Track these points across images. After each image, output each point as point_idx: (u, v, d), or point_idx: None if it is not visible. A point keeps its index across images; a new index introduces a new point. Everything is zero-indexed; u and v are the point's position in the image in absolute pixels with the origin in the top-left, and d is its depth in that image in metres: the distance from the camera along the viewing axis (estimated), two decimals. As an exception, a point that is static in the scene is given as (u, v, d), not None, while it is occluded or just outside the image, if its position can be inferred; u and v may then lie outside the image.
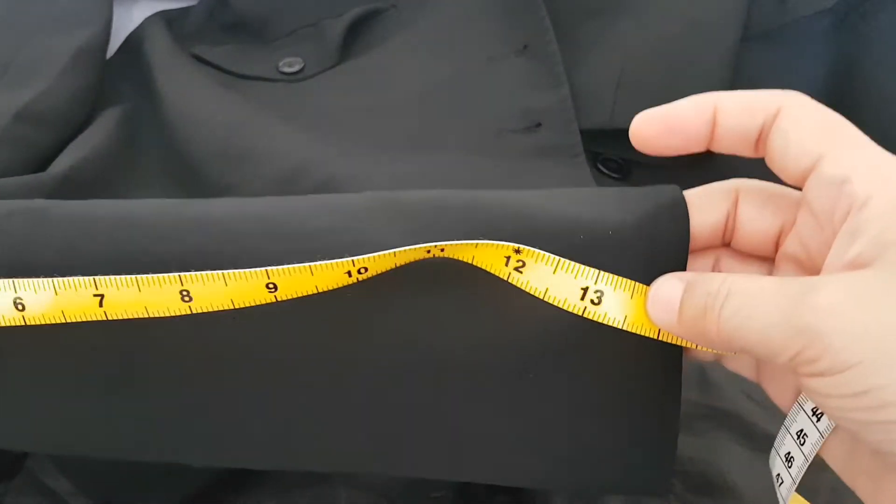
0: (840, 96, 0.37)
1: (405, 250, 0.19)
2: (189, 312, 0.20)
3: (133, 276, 0.20)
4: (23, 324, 0.20)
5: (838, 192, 0.17)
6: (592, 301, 0.20)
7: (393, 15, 0.45)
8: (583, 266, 0.20)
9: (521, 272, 0.20)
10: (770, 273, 0.21)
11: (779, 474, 0.20)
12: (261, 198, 0.23)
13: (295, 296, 0.20)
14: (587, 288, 0.20)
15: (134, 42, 0.44)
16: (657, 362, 0.21)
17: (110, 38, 0.42)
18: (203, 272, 0.20)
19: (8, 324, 0.20)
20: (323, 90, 0.41)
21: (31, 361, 0.22)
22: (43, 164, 0.35)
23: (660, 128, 0.20)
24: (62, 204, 0.22)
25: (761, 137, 0.19)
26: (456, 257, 0.20)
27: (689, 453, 0.29)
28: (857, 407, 0.16)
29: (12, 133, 0.34)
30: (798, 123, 0.18)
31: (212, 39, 0.45)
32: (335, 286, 0.20)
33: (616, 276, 0.20)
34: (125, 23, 0.45)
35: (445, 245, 0.20)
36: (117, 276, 0.20)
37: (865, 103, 0.36)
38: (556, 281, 0.20)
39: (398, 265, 0.20)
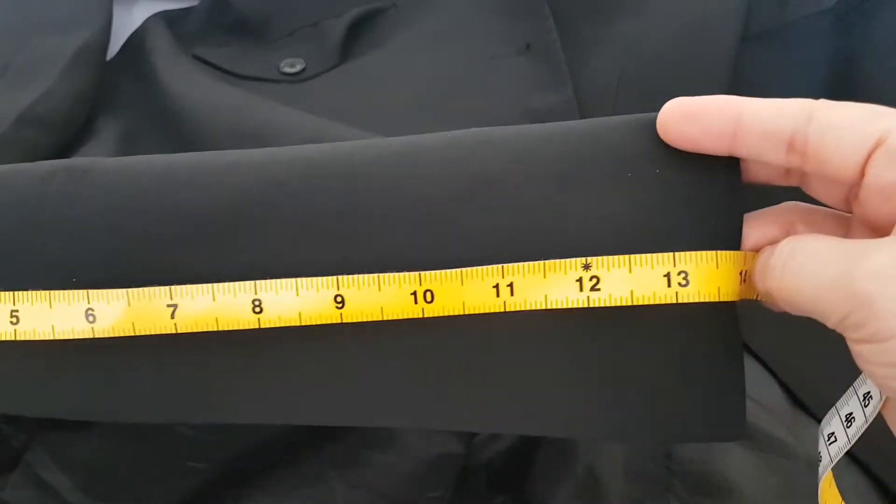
0: (840, 96, 0.37)
1: (472, 287, 0.20)
2: (258, 326, 0.20)
3: (208, 285, 0.20)
4: (91, 336, 0.21)
5: None
6: (680, 283, 0.19)
7: (393, 14, 0.45)
8: (655, 254, 0.19)
9: (599, 290, 0.19)
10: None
11: (820, 452, 0.20)
12: (297, 146, 0.22)
13: (361, 317, 0.20)
14: (669, 273, 0.19)
15: (135, 43, 0.44)
16: (717, 313, 0.20)
17: (110, 39, 0.42)
18: (276, 280, 0.20)
19: (79, 336, 0.21)
20: (324, 90, 0.41)
21: None
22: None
23: (679, 113, 0.19)
24: (102, 161, 0.22)
25: (794, 143, 0.18)
26: (527, 299, 0.20)
27: (689, 453, 0.29)
28: None
29: (13, 136, 0.34)
30: (844, 113, 0.18)
31: (213, 40, 0.45)
32: (400, 313, 0.20)
33: (694, 253, 0.19)
34: (125, 23, 0.45)
35: (514, 280, 0.20)
36: (192, 286, 0.20)
37: (864, 102, 0.36)
38: (635, 280, 0.19)
39: (465, 304, 0.20)
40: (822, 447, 0.20)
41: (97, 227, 0.21)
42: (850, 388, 0.20)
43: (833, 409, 0.20)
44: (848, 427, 0.19)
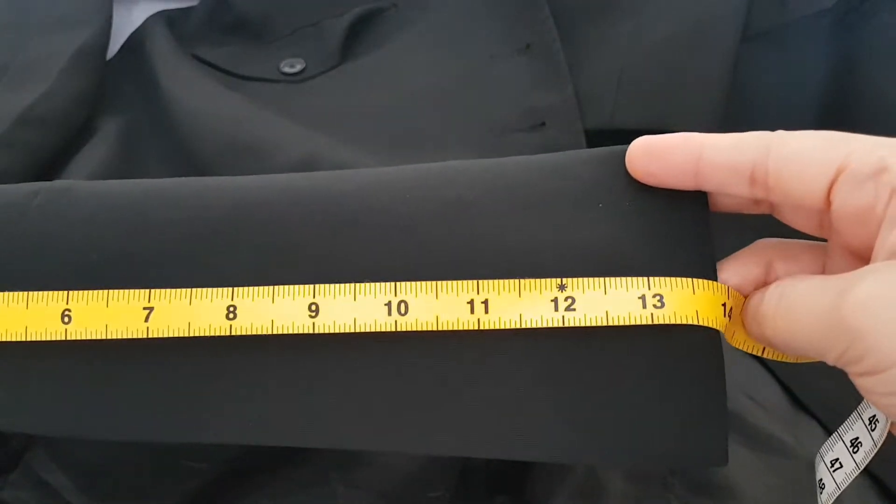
0: (840, 96, 0.37)
1: (448, 301, 0.20)
2: (229, 333, 0.20)
3: (185, 290, 0.20)
4: (64, 338, 0.20)
5: (877, 184, 0.17)
6: (655, 305, 0.19)
7: (394, 14, 0.45)
8: (630, 277, 0.19)
9: (574, 309, 0.19)
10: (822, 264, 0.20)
11: (822, 479, 0.20)
12: (283, 174, 0.23)
13: (335, 327, 0.20)
14: (644, 296, 0.19)
15: (135, 42, 0.44)
16: (699, 339, 0.20)
17: (110, 39, 0.42)
18: (252, 287, 0.20)
19: (52, 338, 0.20)
20: (325, 90, 0.41)
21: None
22: (44, 167, 0.35)
23: (643, 151, 0.20)
24: (84, 182, 0.23)
25: (755, 176, 0.18)
26: (501, 317, 0.20)
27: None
28: None
29: (13, 137, 0.34)
30: (803, 142, 0.18)
31: (213, 40, 0.45)
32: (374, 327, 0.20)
33: (669, 278, 0.19)
34: (125, 23, 0.45)
35: (489, 297, 0.19)
36: (168, 290, 0.20)
37: (865, 103, 0.36)
38: (611, 301, 0.19)
39: (439, 318, 0.20)
40: (823, 473, 0.20)
41: (75, 242, 0.21)
42: (854, 413, 0.20)
43: (835, 435, 0.20)
44: (854, 452, 0.19)
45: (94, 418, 0.21)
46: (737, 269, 0.20)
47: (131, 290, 0.20)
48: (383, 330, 0.20)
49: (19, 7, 0.40)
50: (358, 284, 0.20)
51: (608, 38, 0.40)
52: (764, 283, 0.20)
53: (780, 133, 0.18)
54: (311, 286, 0.20)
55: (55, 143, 0.36)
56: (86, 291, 0.20)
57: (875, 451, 0.19)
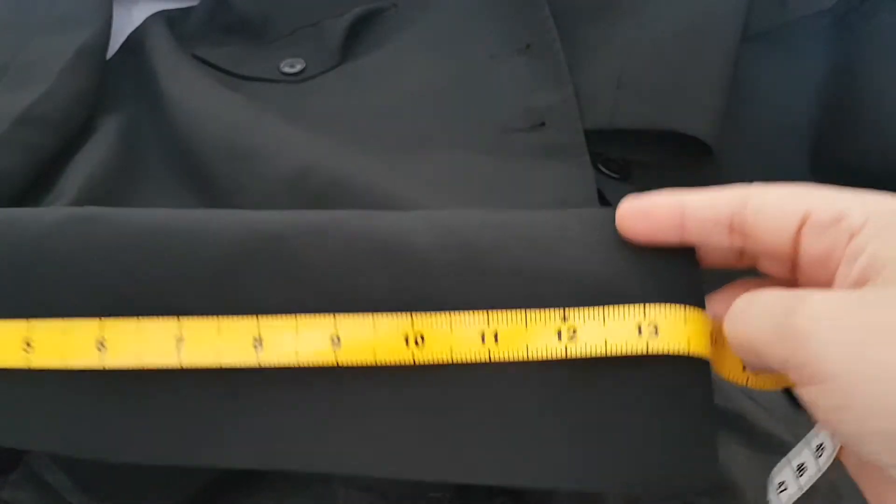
0: (840, 96, 0.37)
1: (460, 331, 0.20)
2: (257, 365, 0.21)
3: (213, 319, 0.21)
4: (101, 367, 0.21)
5: (836, 231, 0.18)
6: (651, 334, 0.20)
7: (394, 14, 0.45)
8: (627, 305, 0.20)
9: (575, 340, 0.20)
10: None
11: (783, 482, 0.21)
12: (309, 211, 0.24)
13: (355, 358, 0.21)
14: (640, 325, 0.20)
15: (135, 42, 0.44)
16: (691, 367, 0.21)
17: (110, 39, 0.42)
18: (277, 317, 0.21)
19: (88, 367, 0.21)
20: (325, 91, 0.41)
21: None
22: (44, 167, 0.35)
23: (631, 213, 0.21)
24: (109, 211, 0.23)
25: (734, 226, 0.20)
26: (510, 349, 0.20)
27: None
28: (842, 419, 0.16)
29: (13, 137, 0.34)
30: (772, 195, 0.20)
31: (213, 40, 0.45)
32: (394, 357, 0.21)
33: (663, 305, 0.20)
34: (125, 23, 0.45)
35: (498, 328, 0.20)
36: (198, 318, 0.21)
37: (865, 103, 0.36)
38: (609, 331, 0.20)
39: (453, 349, 0.21)
40: (771, 495, 0.21)
41: (103, 271, 0.22)
42: (803, 441, 0.20)
43: (785, 459, 0.21)
44: (800, 476, 0.20)
45: (117, 441, 0.22)
46: (723, 300, 0.22)
47: (163, 319, 0.21)
48: (402, 362, 0.21)
49: (19, 7, 0.40)
50: (377, 316, 0.21)
51: (608, 38, 0.40)
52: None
53: (757, 186, 0.20)
54: (332, 317, 0.21)
55: (55, 142, 0.36)
56: (119, 320, 0.21)
57: (819, 475, 0.19)
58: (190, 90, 0.38)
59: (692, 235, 0.21)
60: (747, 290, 0.21)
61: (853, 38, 0.38)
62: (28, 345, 0.21)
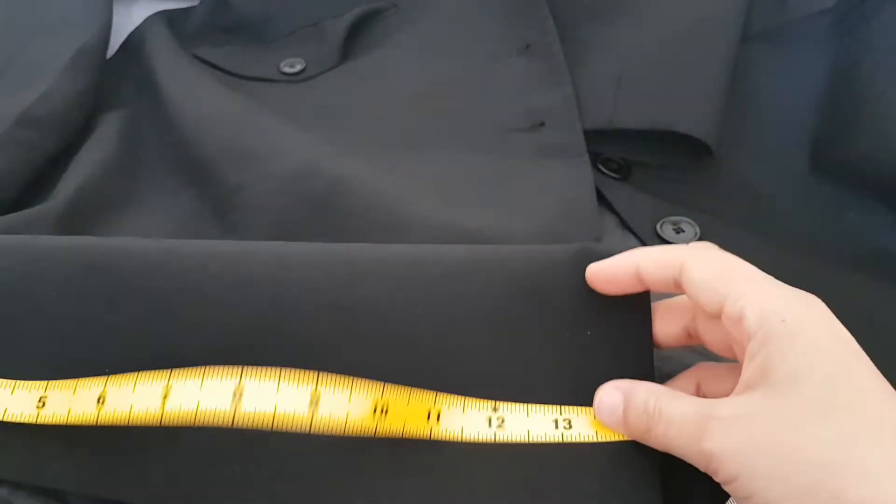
0: (840, 96, 0.37)
1: (415, 407, 0.22)
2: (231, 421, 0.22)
3: (198, 367, 0.22)
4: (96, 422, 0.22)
5: (739, 328, 0.21)
6: (565, 427, 0.23)
7: (394, 14, 0.45)
8: (546, 405, 0.23)
9: (503, 427, 0.23)
10: None
11: None
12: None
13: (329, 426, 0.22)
14: (557, 419, 0.23)
15: (135, 42, 0.44)
16: (638, 452, 0.23)
17: (110, 39, 0.42)
18: (258, 368, 0.22)
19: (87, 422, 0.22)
20: (325, 90, 0.41)
21: None
22: (44, 166, 0.35)
23: (597, 279, 0.24)
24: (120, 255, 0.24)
25: (677, 282, 0.22)
26: (448, 428, 0.23)
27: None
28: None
29: (14, 137, 0.34)
30: (700, 273, 0.22)
31: (213, 40, 0.45)
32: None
33: (576, 407, 0.23)
34: (125, 23, 0.45)
35: (441, 409, 0.23)
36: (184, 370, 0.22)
37: (865, 103, 0.36)
38: (532, 423, 0.23)
39: (406, 423, 0.22)
40: None
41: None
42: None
43: None
44: None
45: (115, 480, 0.23)
46: (683, 385, 0.24)
47: (154, 373, 0.22)
48: (369, 427, 0.22)
49: (19, 7, 0.40)
50: (356, 379, 0.22)
51: (608, 38, 0.40)
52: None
53: (694, 254, 0.22)
54: (315, 373, 0.22)
55: (55, 143, 0.36)
56: (118, 376, 0.22)
57: None
58: (190, 90, 0.38)
59: (649, 285, 0.23)
60: (697, 379, 0.24)
61: (853, 38, 0.38)
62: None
